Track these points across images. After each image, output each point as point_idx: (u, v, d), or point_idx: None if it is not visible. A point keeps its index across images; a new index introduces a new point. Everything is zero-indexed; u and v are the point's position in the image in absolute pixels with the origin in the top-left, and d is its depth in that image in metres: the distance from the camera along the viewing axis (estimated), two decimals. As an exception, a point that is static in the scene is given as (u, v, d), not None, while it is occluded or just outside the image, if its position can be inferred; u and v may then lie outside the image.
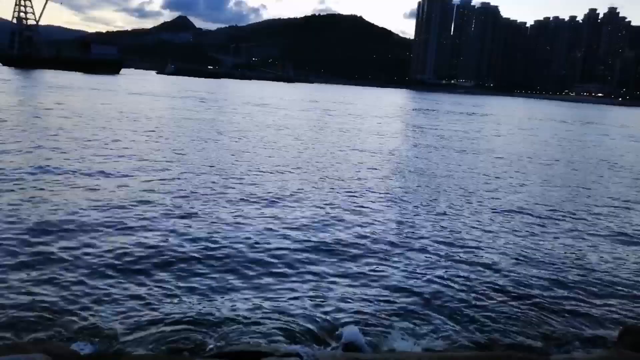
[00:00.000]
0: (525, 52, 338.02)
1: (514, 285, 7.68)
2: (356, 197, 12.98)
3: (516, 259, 8.93)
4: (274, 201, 11.84)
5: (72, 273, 7.02)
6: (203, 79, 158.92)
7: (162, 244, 8.41)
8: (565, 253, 9.48)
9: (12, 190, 11.10)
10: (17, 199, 10.40)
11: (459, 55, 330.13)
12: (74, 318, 5.78)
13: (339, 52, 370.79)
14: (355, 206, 11.97)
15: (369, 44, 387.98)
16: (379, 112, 53.95)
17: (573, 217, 12.36)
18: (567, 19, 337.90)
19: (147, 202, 10.88)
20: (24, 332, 5.35)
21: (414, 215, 11.60)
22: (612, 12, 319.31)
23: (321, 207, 11.54)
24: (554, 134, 41.85)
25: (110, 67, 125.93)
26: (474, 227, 10.80)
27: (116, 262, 7.52)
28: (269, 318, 6.08)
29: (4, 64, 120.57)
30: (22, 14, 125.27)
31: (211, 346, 5.34)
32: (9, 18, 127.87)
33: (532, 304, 7.09)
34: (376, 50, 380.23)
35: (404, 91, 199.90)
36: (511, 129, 44.19)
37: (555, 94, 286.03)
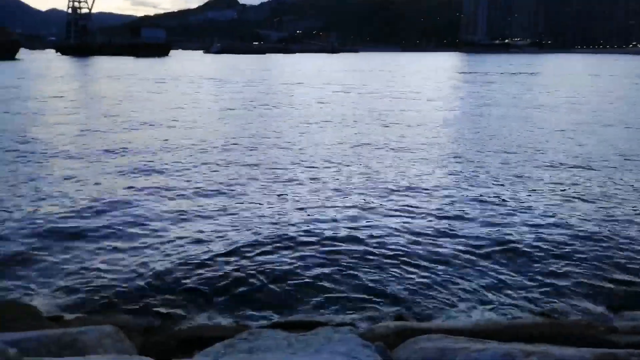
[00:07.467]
0: (585, 4, 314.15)
1: (572, 250, 7.35)
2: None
3: (577, 225, 8.52)
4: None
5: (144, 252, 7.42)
6: (248, 55, 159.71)
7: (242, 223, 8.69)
8: (632, 219, 8.93)
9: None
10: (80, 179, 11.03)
11: (513, 13, 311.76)
12: (141, 293, 6.13)
13: (384, 19, 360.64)
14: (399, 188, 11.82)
15: (416, 7, 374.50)
16: (416, 84, 52.29)
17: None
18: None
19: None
20: (95, 306, 5.77)
21: (464, 182, 11.30)
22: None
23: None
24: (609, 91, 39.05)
25: (159, 50, 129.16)
26: (527, 195, 10.38)
27: (191, 247, 7.86)
28: (324, 291, 6.19)
29: (62, 54, 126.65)
30: (76, 3, 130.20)
31: (266, 316, 5.52)
32: (64, 8, 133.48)
33: (593, 268, 6.77)
34: (424, 13, 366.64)
35: (454, 55, 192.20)
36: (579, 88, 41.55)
37: (620, 47, 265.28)
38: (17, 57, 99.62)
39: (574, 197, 10.13)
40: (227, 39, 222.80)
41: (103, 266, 6.86)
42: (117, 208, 9.23)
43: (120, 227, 8.24)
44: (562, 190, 10.62)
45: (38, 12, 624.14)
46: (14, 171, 11.97)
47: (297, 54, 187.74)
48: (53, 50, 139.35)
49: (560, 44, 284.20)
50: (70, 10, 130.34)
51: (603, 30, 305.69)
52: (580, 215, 8.98)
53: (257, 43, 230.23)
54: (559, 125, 20.13)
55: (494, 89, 38.10)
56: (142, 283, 6.36)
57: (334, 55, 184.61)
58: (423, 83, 45.61)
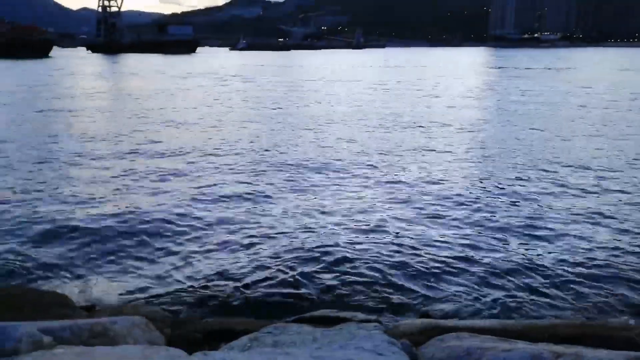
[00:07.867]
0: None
1: (606, 251, 7.15)
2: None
3: (611, 227, 8.28)
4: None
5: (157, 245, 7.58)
6: (273, 52, 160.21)
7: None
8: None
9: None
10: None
11: (543, 6, 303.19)
12: (169, 286, 6.26)
13: (410, 13, 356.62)
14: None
15: (443, 1, 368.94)
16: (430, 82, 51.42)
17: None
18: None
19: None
20: (125, 298, 5.92)
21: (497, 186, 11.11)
22: None
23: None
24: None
25: (187, 47, 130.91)
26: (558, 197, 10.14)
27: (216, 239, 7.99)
28: (349, 286, 6.19)
29: (93, 51, 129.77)
30: (105, 2, 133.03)
31: (291, 311, 5.55)
32: (95, 7, 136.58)
33: (629, 270, 6.57)
34: (450, 6, 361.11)
35: (483, 49, 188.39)
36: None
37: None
38: (50, 55, 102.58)
39: (606, 198, 9.84)
40: (253, 36, 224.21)
41: (132, 260, 7.04)
42: (145, 205, 9.42)
43: (149, 225, 8.40)
44: (594, 190, 10.33)
45: (70, 11, 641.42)
46: (46, 170, 12.32)
47: (323, 50, 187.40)
48: (84, 48, 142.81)
49: (592, 38, 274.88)
50: (100, 9, 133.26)
51: (637, 23, 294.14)
52: (614, 218, 8.71)
53: (282, 40, 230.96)
54: (595, 124, 19.52)
55: (529, 85, 37.13)
56: (169, 277, 6.50)
57: (360, 50, 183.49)
58: (453, 79, 44.91)
